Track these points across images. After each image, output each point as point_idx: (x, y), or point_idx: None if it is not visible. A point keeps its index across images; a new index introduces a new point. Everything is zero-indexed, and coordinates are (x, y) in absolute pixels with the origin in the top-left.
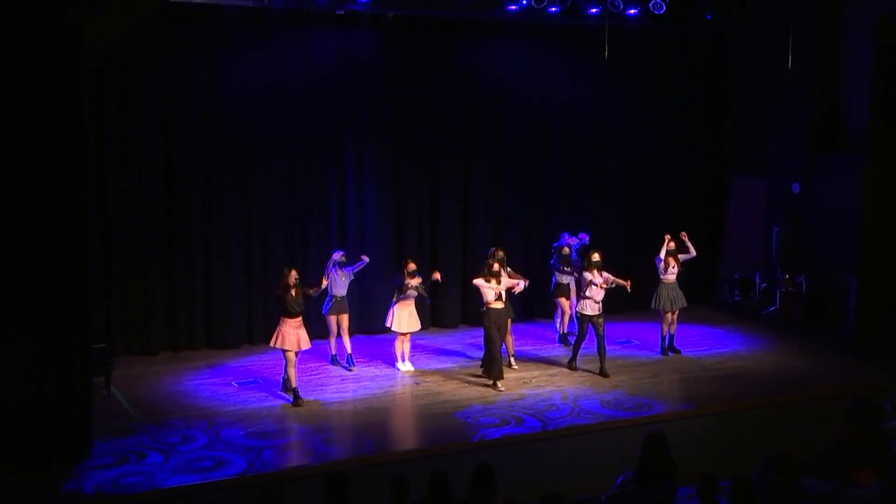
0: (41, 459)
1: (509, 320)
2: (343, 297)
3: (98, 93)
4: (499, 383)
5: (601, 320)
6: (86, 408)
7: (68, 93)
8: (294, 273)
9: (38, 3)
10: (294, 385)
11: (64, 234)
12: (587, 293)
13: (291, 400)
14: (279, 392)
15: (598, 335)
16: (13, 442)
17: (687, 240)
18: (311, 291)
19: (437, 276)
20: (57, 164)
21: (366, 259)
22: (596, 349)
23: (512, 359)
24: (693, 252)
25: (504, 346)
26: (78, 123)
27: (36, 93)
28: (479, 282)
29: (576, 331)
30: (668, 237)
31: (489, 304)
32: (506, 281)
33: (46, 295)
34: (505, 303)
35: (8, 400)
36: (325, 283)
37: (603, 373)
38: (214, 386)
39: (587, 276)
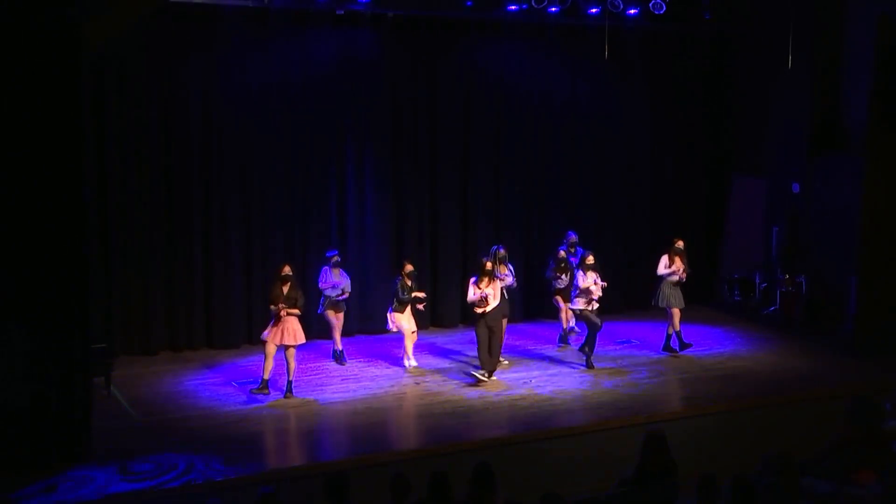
0: (41, 459)
1: (504, 319)
2: (337, 297)
3: (98, 93)
4: (480, 375)
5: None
6: (86, 408)
7: (68, 93)
8: (287, 267)
9: (38, 3)
10: (266, 377)
11: (64, 233)
12: (581, 292)
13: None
14: (280, 392)
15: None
16: (13, 442)
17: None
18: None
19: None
20: (57, 164)
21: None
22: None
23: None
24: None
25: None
26: (78, 123)
27: (36, 93)
28: (472, 282)
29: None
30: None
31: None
32: (494, 284)
33: (46, 295)
34: (498, 302)
35: (8, 400)
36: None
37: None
38: (214, 386)
39: (579, 276)
